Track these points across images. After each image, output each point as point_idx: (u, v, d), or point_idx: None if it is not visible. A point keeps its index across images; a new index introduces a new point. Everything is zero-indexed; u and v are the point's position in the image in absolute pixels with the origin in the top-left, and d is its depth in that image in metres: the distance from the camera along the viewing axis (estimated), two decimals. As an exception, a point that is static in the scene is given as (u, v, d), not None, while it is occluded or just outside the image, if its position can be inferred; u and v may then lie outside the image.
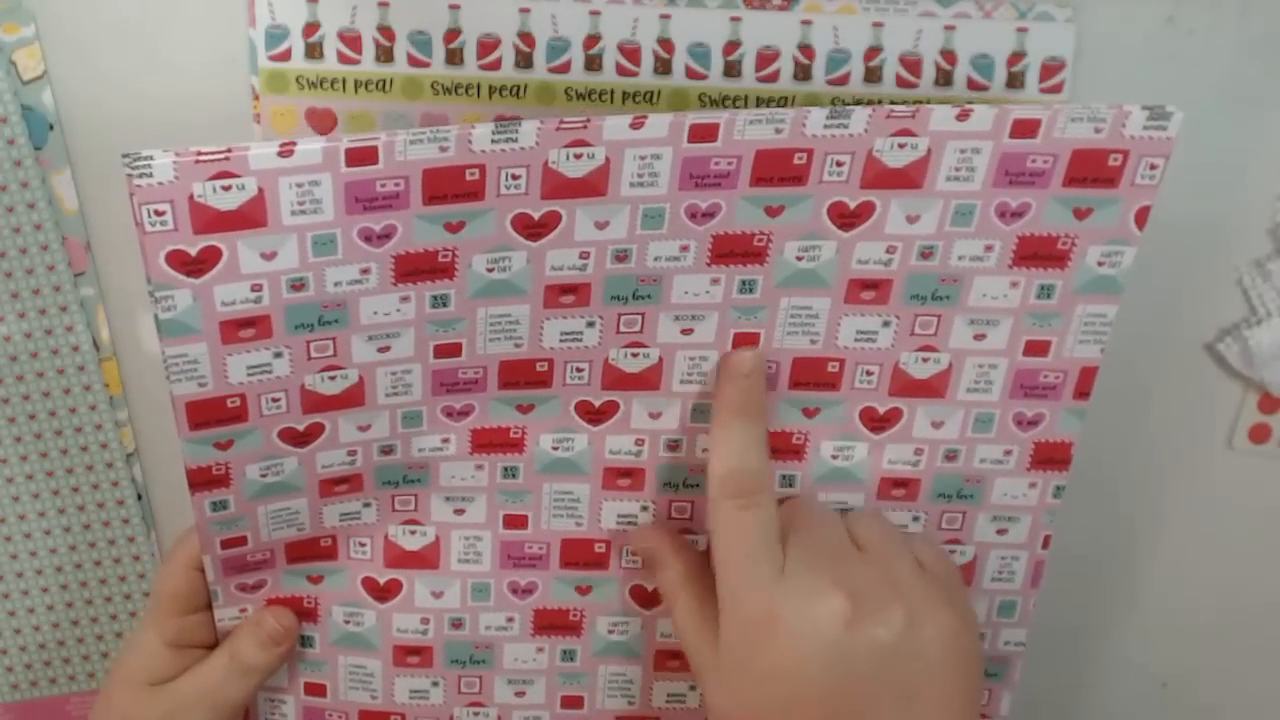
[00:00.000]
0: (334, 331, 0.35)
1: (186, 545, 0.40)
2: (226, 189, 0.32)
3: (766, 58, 0.39)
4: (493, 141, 0.33)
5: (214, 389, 0.35)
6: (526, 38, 0.39)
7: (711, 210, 0.35)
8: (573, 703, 0.43)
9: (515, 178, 0.34)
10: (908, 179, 0.35)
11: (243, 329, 0.35)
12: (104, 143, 0.41)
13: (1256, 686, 0.51)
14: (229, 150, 0.32)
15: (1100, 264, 0.36)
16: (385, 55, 0.39)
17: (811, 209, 0.35)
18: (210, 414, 0.36)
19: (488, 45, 0.39)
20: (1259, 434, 0.46)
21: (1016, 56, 0.39)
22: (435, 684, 0.43)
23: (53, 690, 0.50)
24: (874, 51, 0.39)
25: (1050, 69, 0.39)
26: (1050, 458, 0.39)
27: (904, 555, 0.36)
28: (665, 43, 0.39)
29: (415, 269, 0.35)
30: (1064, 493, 0.40)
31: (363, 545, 0.40)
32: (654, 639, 0.42)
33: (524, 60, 0.39)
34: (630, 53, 0.39)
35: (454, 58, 0.39)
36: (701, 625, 0.37)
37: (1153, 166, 0.35)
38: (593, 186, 0.34)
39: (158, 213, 0.32)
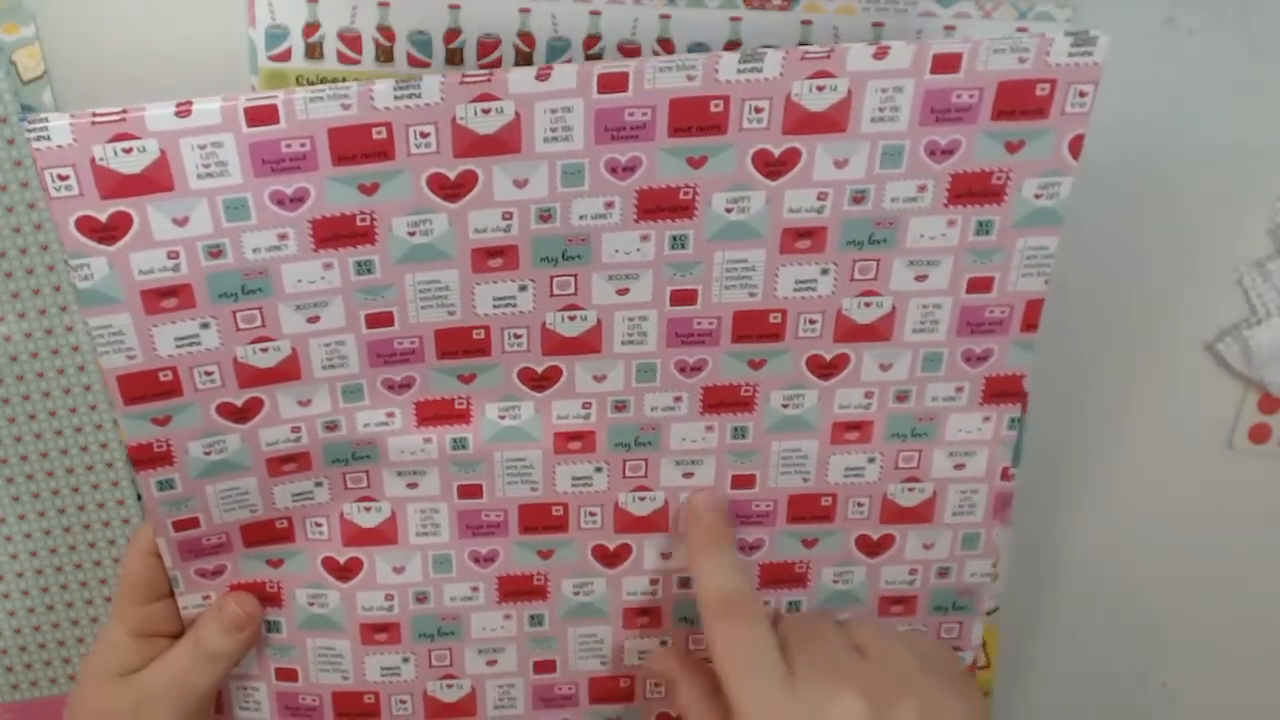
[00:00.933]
0: (259, 301, 0.35)
1: (144, 533, 0.40)
2: (128, 151, 0.33)
3: (766, 57, 0.39)
4: (395, 98, 0.33)
5: (143, 361, 0.35)
6: (526, 37, 0.39)
7: (632, 164, 0.35)
8: (545, 667, 0.43)
9: (424, 135, 0.33)
10: (831, 122, 0.34)
11: (165, 298, 0.35)
12: (104, 143, 0.41)
13: (1256, 686, 0.51)
14: (125, 110, 0.32)
15: (1038, 196, 0.36)
16: (385, 55, 0.39)
17: (735, 158, 0.35)
18: (143, 387, 0.36)
19: (488, 45, 0.39)
20: (1259, 434, 0.46)
21: (1016, 56, 0.39)
22: (405, 660, 0.42)
23: (53, 690, 0.50)
24: (874, 51, 0.39)
25: (1050, 69, 0.39)
26: (1002, 391, 0.39)
27: (906, 652, 0.36)
28: (665, 42, 0.39)
29: (334, 234, 0.35)
30: (1019, 425, 0.40)
31: (319, 525, 0.40)
32: (620, 597, 0.42)
33: (524, 60, 0.39)
34: (630, 52, 0.39)
35: (454, 58, 0.39)
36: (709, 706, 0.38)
37: (1082, 94, 0.34)
38: (505, 143, 0.34)
39: (61, 177, 0.33)
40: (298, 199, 0.34)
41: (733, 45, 0.39)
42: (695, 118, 0.34)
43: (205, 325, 0.35)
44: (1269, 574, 0.49)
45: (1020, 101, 0.34)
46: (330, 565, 0.41)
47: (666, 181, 0.35)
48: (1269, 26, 0.40)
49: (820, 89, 0.34)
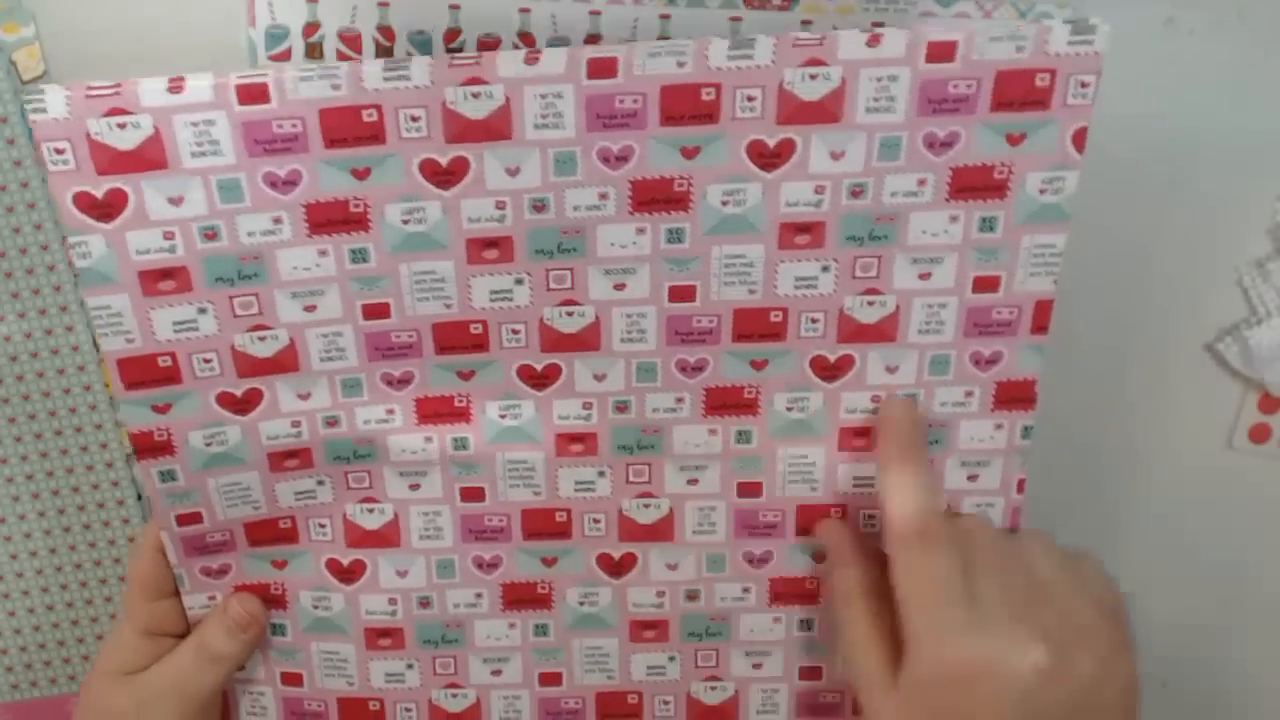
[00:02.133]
0: (255, 286, 0.36)
1: (152, 529, 0.40)
2: (122, 126, 0.33)
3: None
4: (385, 79, 0.33)
5: (142, 345, 0.36)
6: (526, 37, 0.39)
7: (624, 153, 0.34)
8: (551, 679, 0.43)
9: (415, 119, 0.34)
10: (825, 112, 0.34)
11: (161, 280, 0.35)
12: (104, 143, 0.41)
13: (1256, 686, 0.51)
14: (119, 84, 0.33)
15: (1042, 191, 0.35)
16: (385, 55, 0.39)
17: (729, 148, 0.34)
18: (143, 373, 0.36)
19: (488, 45, 0.39)
20: (1259, 434, 0.46)
21: (1016, 56, 0.39)
22: (410, 666, 0.42)
23: (53, 690, 0.50)
24: (874, 51, 0.39)
25: (1050, 69, 0.39)
26: (1014, 397, 0.38)
27: (1083, 590, 0.36)
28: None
29: (328, 219, 0.35)
30: (1032, 434, 0.39)
31: (323, 526, 0.40)
32: (627, 609, 0.42)
33: (524, 60, 0.39)
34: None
35: (454, 58, 0.39)
36: (875, 640, 0.36)
37: (1084, 85, 0.34)
38: (496, 129, 0.34)
39: (58, 150, 0.33)
40: (290, 181, 0.34)
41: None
42: (687, 106, 0.34)
43: (203, 310, 0.36)
44: (1269, 574, 0.49)
45: (1020, 92, 0.34)
46: (334, 567, 0.41)
47: (660, 172, 0.35)
48: (1269, 26, 0.40)
49: (813, 77, 0.33)
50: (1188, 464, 0.47)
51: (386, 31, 0.39)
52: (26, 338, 0.44)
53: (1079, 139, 0.34)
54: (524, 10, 0.38)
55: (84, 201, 0.34)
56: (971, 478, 0.39)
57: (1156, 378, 0.45)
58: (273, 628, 0.42)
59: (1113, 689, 0.34)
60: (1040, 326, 0.37)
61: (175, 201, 0.34)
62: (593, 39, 0.38)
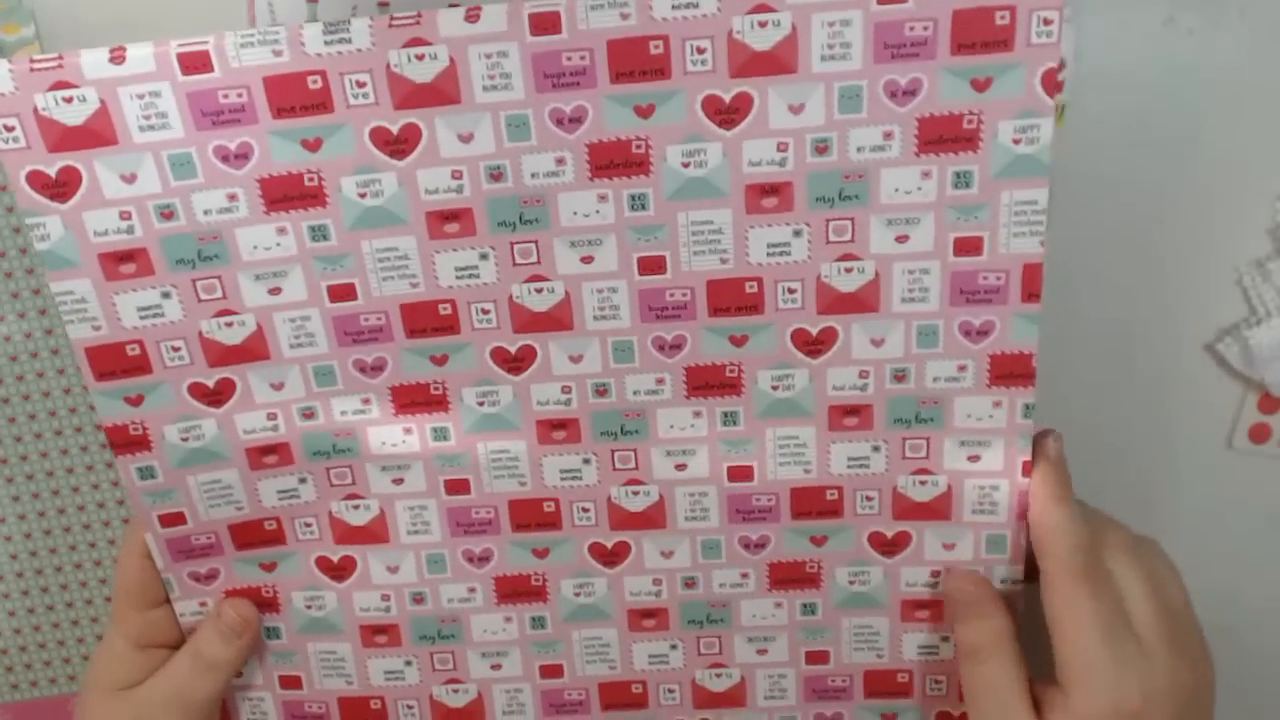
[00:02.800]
0: (217, 268, 0.35)
1: (135, 534, 0.40)
2: (69, 100, 0.33)
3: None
4: (326, 43, 0.33)
5: (109, 333, 0.36)
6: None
7: (577, 114, 0.34)
8: (552, 672, 0.42)
9: (361, 85, 0.33)
10: (779, 63, 0.33)
11: (122, 263, 0.35)
12: (104, 143, 0.41)
13: (1256, 687, 0.51)
14: (61, 56, 0.33)
15: (1016, 141, 0.33)
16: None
17: (684, 105, 0.33)
18: (112, 362, 0.36)
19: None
20: (1259, 434, 0.46)
21: (1016, 56, 0.39)
22: (408, 663, 0.42)
23: (53, 690, 0.50)
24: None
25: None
26: (1010, 372, 0.36)
27: (1187, 597, 0.37)
28: (665, 42, 0.39)
29: (284, 195, 0.35)
30: (1034, 412, 0.37)
31: (309, 525, 0.40)
32: (623, 598, 0.41)
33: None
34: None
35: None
36: (1021, 684, 0.36)
37: (1047, 21, 0.32)
38: (444, 93, 0.33)
39: (8, 128, 0.33)
40: (242, 155, 0.34)
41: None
42: (636, 61, 0.33)
43: (166, 295, 0.36)
44: (1269, 574, 0.49)
45: (979, 32, 0.32)
46: (324, 565, 0.41)
47: (616, 134, 0.34)
48: (1269, 26, 0.40)
49: (762, 24, 0.32)
50: (1188, 464, 0.47)
51: (386, 31, 0.38)
52: (26, 338, 0.44)
53: (1048, 81, 0.33)
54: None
55: (37, 181, 0.34)
56: (973, 458, 0.38)
57: (1156, 378, 0.45)
58: (267, 631, 0.42)
59: (1208, 695, 0.36)
60: (1031, 293, 0.35)
61: (128, 179, 0.34)
62: None
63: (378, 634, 0.42)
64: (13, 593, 0.48)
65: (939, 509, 0.39)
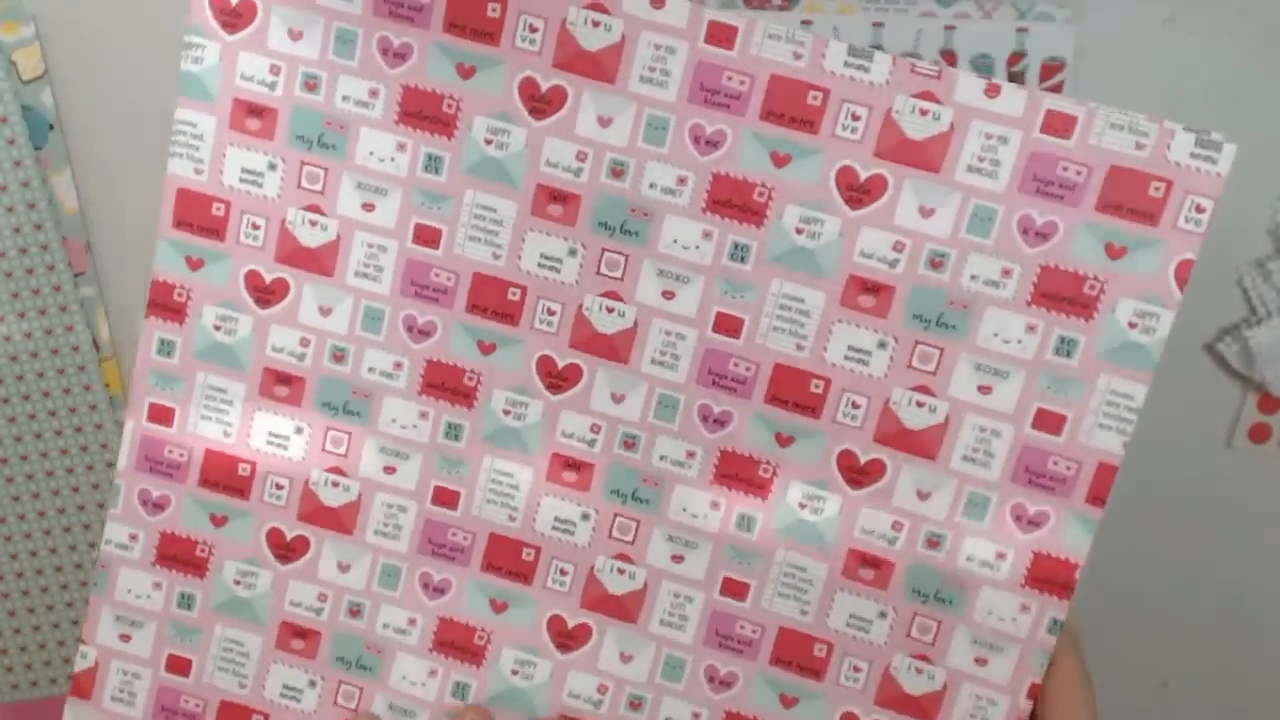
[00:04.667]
0: (329, 159, 0.35)
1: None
2: None
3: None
4: None
5: (206, 181, 0.36)
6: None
7: (715, 138, 0.33)
8: None
9: (533, 30, 0.33)
10: (926, 157, 0.32)
11: (250, 117, 0.35)
12: (104, 143, 0.41)
13: (1256, 687, 0.51)
14: None
15: (1132, 325, 0.32)
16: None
17: (820, 167, 0.33)
18: (195, 213, 0.36)
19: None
20: (1259, 434, 0.46)
21: (1016, 56, 0.39)
22: (312, 683, 0.38)
23: (53, 690, 0.50)
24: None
25: (1050, 69, 0.39)
26: (1049, 577, 0.34)
27: None
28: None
29: (419, 110, 0.35)
30: (1060, 629, 0.34)
31: (279, 488, 0.37)
32: (560, 697, 0.37)
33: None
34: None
35: (454, 57, 0.39)
36: None
37: (1199, 210, 0.31)
38: (604, 67, 0.33)
39: None
40: (400, 55, 0.34)
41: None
42: (791, 104, 0.32)
43: (273, 166, 0.35)
44: (1269, 574, 0.49)
45: (1130, 197, 0.31)
46: (275, 540, 0.38)
47: (745, 173, 0.33)
48: (1269, 27, 0.40)
49: (923, 112, 0.32)
50: (1188, 464, 0.47)
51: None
52: (26, 338, 0.44)
53: (1182, 272, 0.32)
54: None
55: (218, 5, 0.34)
56: (980, 661, 0.35)
57: (1156, 378, 0.45)
58: (180, 597, 0.38)
59: None
60: (1098, 496, 0.34)
61: (294, 35, 0.34)
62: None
63: (296, 637, 0.38)
64: (13, 593, 0.48)
65: (926, 708, 0.35)
